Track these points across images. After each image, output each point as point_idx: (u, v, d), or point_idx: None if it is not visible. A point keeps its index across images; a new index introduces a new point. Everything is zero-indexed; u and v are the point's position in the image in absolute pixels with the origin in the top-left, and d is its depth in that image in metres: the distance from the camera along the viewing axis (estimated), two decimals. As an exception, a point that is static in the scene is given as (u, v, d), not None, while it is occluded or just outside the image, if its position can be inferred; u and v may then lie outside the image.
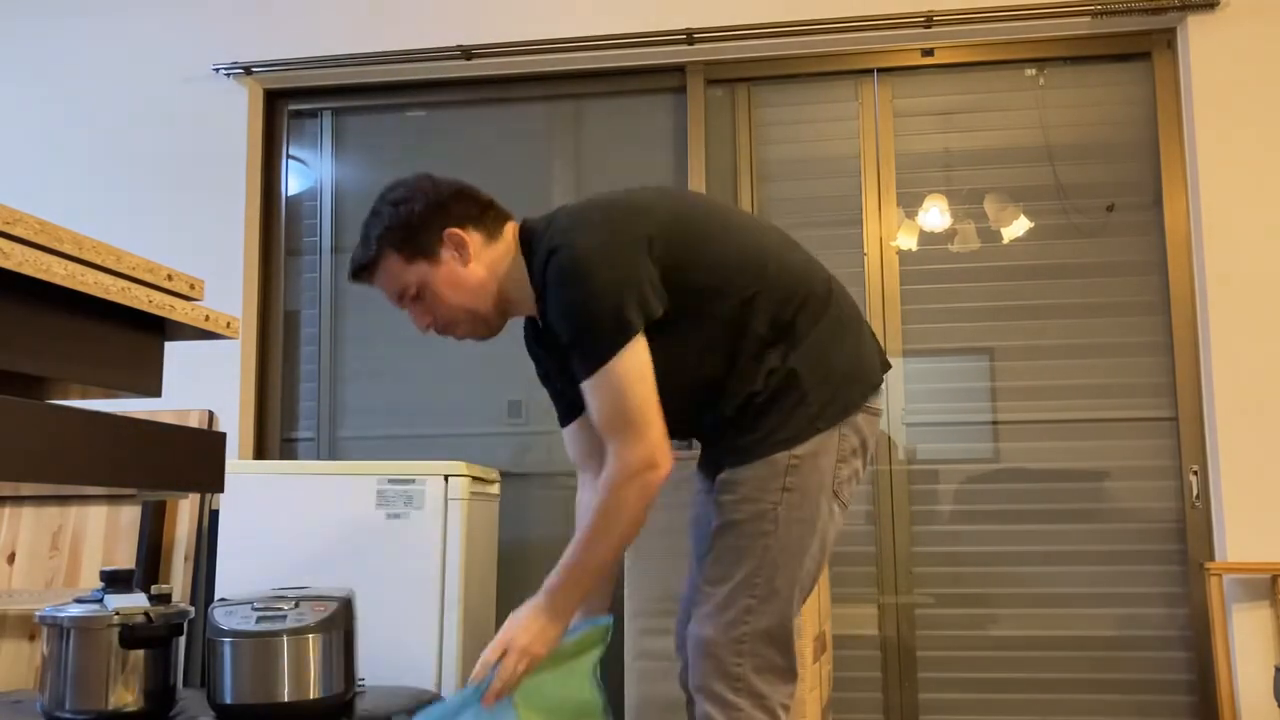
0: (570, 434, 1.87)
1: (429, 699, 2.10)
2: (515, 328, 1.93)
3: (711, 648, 1.64)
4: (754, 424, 1.67)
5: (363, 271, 1.73)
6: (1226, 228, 2.85)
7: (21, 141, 3.40)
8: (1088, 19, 2.96)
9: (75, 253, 1.10)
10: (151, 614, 1.85)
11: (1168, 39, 3.01)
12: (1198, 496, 2.86)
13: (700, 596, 1.68)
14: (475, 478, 2.64)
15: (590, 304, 1.58)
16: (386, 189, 1.74)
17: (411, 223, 1.70)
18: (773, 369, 1.66)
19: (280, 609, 1.89)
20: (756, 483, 1.66)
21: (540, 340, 1.83)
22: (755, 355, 1.66)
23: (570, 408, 1.85)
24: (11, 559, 3.03)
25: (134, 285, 1.18)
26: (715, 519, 1.69)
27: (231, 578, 2.58)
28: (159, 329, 1.29)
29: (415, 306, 1.74)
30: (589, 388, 1.61)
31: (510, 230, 1.77)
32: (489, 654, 1.63)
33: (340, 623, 1.92)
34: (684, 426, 1.77)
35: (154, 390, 1.29)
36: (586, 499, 1.85)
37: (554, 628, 1.64)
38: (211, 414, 3.18)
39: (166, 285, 1.24)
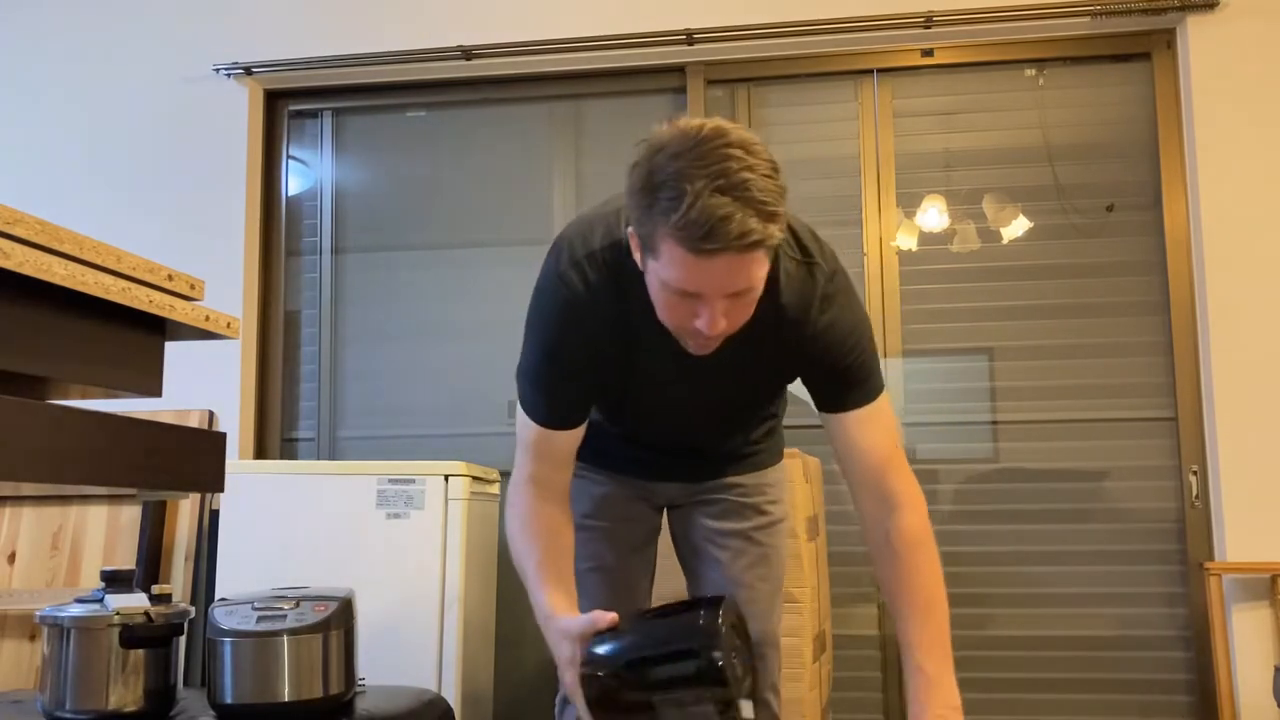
0: (566, 438, 1.58)
1: (429, 699, 2.10)
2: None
3: (778, 646, 1.78)
4: (765, 439, 1.80)
5: (752, 245, 1.24)
6: (1226, 228, 2.85)
7: (22, 141, 3.40)
8: (1087, 19, 2.96)
9: (75, 253, 1.10)
10: (152, 614, 1.84)
11: (1167, 39, 3.01)
12: (1197, 496, 2.86)
13: (752, 594, 1.75)
14: (475, 478, 2.64)
15: (870, 332, 1.53)
16: (743, 138, 1.26)
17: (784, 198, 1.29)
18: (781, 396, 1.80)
19: (280, 609, 1.89)
20: (782, 486, 1.82)
21: (627, 333, 1.48)
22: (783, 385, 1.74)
23: (582, 412, 1.58)
24: (12, 559, 3.03)
25: (134, 285, 1.18)
26: (750, 518, 1.77)
27: (231, 578, 2.58)
28: (159, 329, 1.29)
29: (726, 305, 1.33)
30: (870, 413, 1.50)
31: None
32: None
33: (340, 623, 1.92)
34: (713, 441, 1.76)
35: (154, 390, 1.29)
36: (548, 511, 1.57)
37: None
38: (211, 414, 3.18)
39: (166, 285, 1.24)
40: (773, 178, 1.25)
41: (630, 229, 1.35)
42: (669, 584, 1.97)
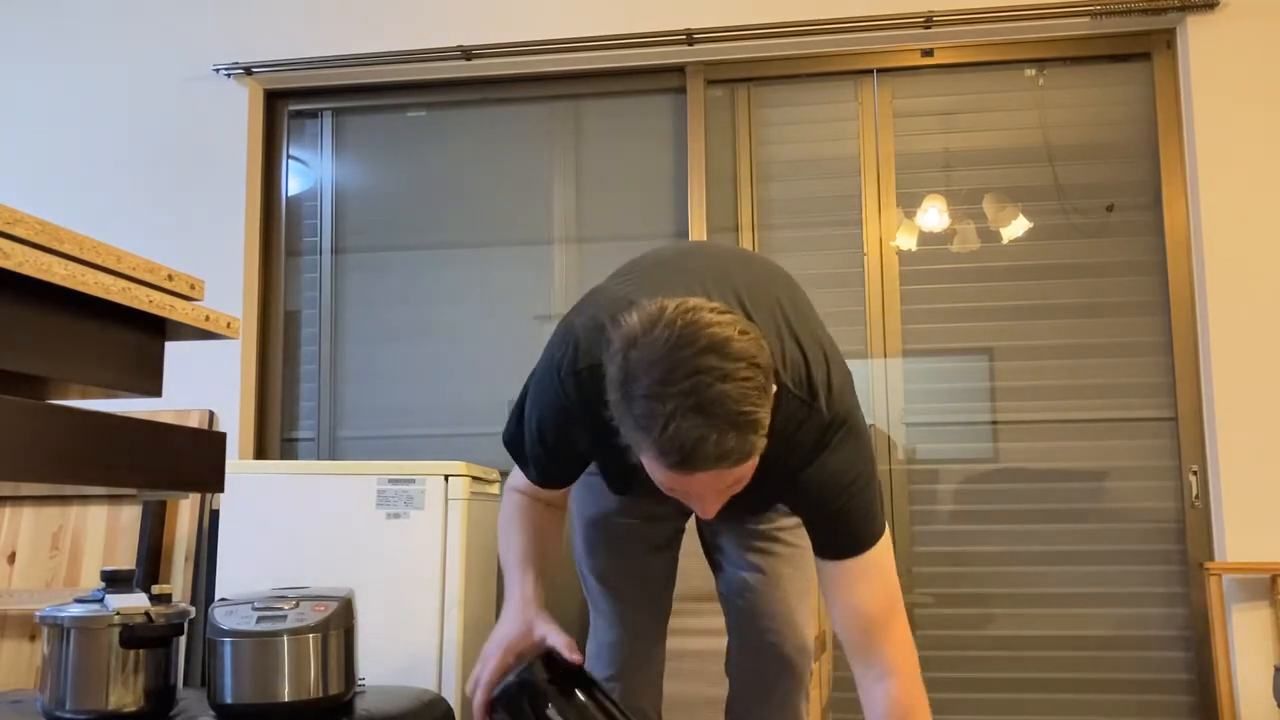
0: (544, 492, 1.61)
1: (429, 699, 2.10)
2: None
3: (808, 652, 1.75)
4: None
5: (734, 463, 1.20)
6: (1226, 228, 2.85)
7: (22, 142, 3.40)
8: (1087, 19, 2.96)
9: (76, 253, 1.10)
10: (152, 614, 1.84)
11: (1167, 39, 3.01)
12: (1197, 496, 2.86)
13: (781, 593, 1.74)
14: (475, 478, 2.64)
15: (869, 480, 1.45)
16: (716, 338, 1.18)
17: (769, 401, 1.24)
18: None
19: (280, 609, 1.89)
20: None
21: (620, 446, 1.39)
22: None
23: (570, 480, 1.60)
24: (11, 559, 3.03)
25: (134, 285, 1.18)
26: (775, 519, 1.75)
27: (231, 578, 2.58)
28: (159, 329, 1.29)
29: (718, 493, 1.29)
30: (862, 566, 1.43)
31: None
32: None
33: (340, 623, 1.92)
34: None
35: (154, 390, 1.29)
36: (539, 509, 1.61)
37: None
38: (211, 414, 3.18)
39: (166, 285, 1.24)
40: (752, 377, 1.18)
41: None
42: (688, 583, 1.98)
